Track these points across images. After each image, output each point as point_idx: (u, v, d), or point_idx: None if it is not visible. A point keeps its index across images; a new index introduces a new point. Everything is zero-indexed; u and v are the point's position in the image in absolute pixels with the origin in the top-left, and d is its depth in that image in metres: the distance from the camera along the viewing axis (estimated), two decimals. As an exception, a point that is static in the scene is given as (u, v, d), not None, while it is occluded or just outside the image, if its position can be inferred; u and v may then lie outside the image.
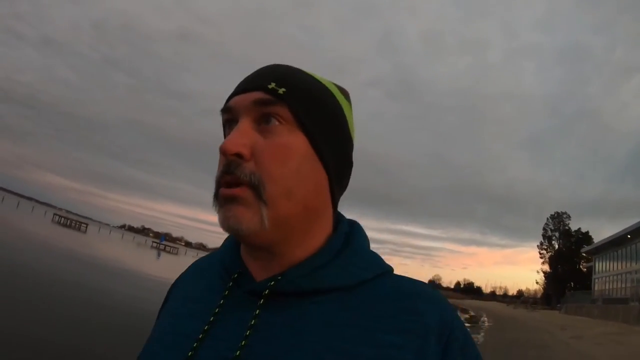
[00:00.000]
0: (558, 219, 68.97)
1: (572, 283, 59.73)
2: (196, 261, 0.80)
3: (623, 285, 34.23)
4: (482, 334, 20.67)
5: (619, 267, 36.21)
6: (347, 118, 0.69)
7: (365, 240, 0.69)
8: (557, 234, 68.30)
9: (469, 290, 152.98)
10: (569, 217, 68.79)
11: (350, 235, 0.68)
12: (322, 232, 0.66)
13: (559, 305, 48.02)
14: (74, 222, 68.66)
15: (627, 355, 11.13)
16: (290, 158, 0.60)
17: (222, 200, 0.60)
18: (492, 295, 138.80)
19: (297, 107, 0.62)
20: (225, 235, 0.69)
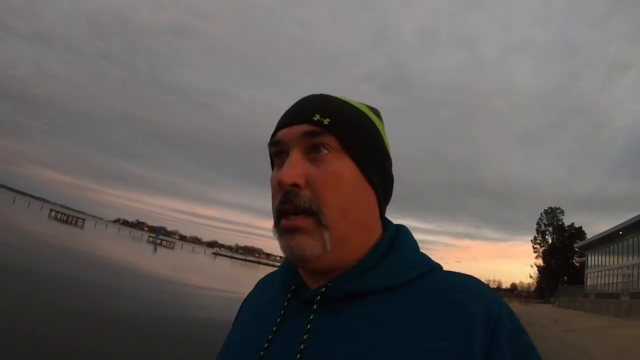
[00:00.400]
0: (552, 214, 69.90)
1: (565, 277, 60.67)
2: (261, 279, 0.88)
3: (615, 281, 35.05)
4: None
5: (611, 263, 37.06)
6: (383, 136, 0.75)
7: (411, 242, 0.73)
8: (550, 229, 69.23)
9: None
10: (562, 212, 69.71)
11: (395, 239, 0.72)
12: (372, 241, 0.70)
13: (552, 299, 48.97)
14: (71, 217, 69.00)
15: (615, 347, 11.79)
16: (342, 183, 0.65)
17: (284, 231, 0.66)
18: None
19: (342, 135, 0.67)
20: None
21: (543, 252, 68.12)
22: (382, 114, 0.79)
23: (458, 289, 0.63)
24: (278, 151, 0.70)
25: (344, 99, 0.74)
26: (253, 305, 0.80)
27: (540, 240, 69.94)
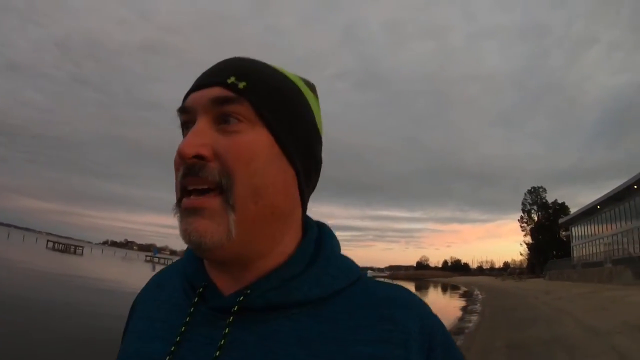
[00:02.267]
0: (535, 193, 73.11)
1: (554, 252, 63.60)
2: (156, 274, 0.75)
3: (598, 250, 38.05)
4: (479, 304, 23.89)
5: (593, 234, 40.08)
6: (315, 113, 0.65)
7: (336, 244, 0.65)
8: (535, 207, 72.47)
9: (456, 267, 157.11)
10: (545, 190, 73.06)
11: (321, 241, 0.63)
12: (291, 237, 0.61)
13: (543, 274, 51.74)
14: (69, 246, 68.42)
15: (593, 307, 14.13)
16: (254, 157, 0.56)
17: (183, 212, 0.56)
18: (480, 270, 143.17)
19: (258, 102, 0.57)
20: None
21: (530, 229, 71.36)
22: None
23: (391, 303, 0.57)
24: (187, 120, 0.60)
25: (275, 66, 0.64)
26: (149, 307, 0.66)
27: (526, 219, 73.22)
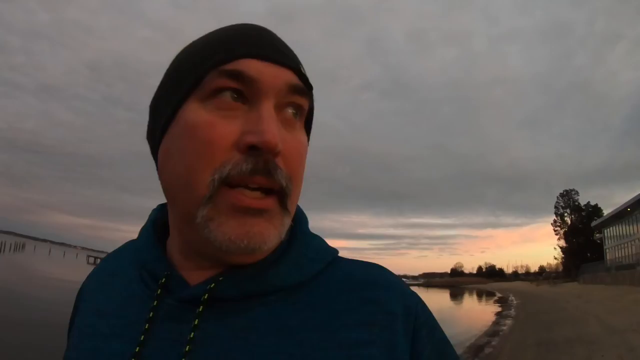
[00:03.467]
0: (567, 197, 72.97)
1: (589, 254, 63.52)
2: (105, 260, 0.65)
3: (630, 252, 38.50)
4: (513, 309, 25.35)
5: (625, 236, 40.53)
6: None
7: (307, 223, 0.60)
8: (568, 210, 72.27)
9: (491, 273, 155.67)
10: (577, 193, 72.73)
11: (294, 222, 0.56)
12: None
13: (577, 277, 52.09)
14: None
15: (618, 309, 15.54)
16: (304, 161, 0.52)
17: (239, 211, 0.46)
18: (515, 275, 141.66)
19: (313, 102, 0.53)
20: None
21: (564, 233, 71.18)
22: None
23: (371, 284, 0.53)
24: (233, 88, 0.47)
25: None
26: (100, 298, 0.57)
27: (560, 222, 73.02)
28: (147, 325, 0.49)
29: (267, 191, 0.47)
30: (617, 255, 43.02)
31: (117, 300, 0.55)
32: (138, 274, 0.55)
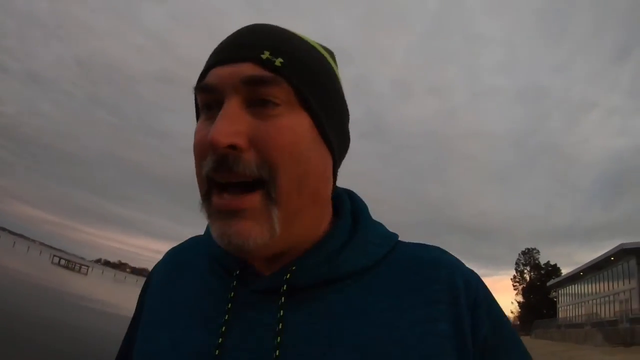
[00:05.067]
0: (528, 255, 75.67)
1: (544, 311, 65.81)
2: (172, 251, 0.68)
3: (580, 312, 40.76)
4: None
5: (576, 298, 42.97)
6: (340, 84, 0.59)
7: (367, 210, 0.62)
8: (528, 268, 74.86)
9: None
10: (538, 252, 75.48)
11: (355, 210, 0.60)
12: (327, 214, 0.58)
13: (531, 332, 54.07)
14: (74, 264, 67.56)
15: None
16: (297, 143, 0.50)
17: (218, 214, 0.49)
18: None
19: (298, 82, 0.51)
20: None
21: (522, 289, 73.64)
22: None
23: (435, 263, 0.55)
24: (209, 100, 0.51)
25: (297, 33, 0.57)
26: (173, 292, 0.60)
27: (519, 278, 75.52)
28: (226, 316, 0.52)
29: (240, 185, 0.48)
30: (568, 314, 45.32)
31: (192, 292, 0.57)
32: (209, 267, 0.58)
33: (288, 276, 0.51)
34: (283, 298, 0.50)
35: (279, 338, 0.48)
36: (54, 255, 76.30)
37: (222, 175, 0.48)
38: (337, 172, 0.59)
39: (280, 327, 0.49)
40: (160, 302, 0.60)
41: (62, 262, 66.49)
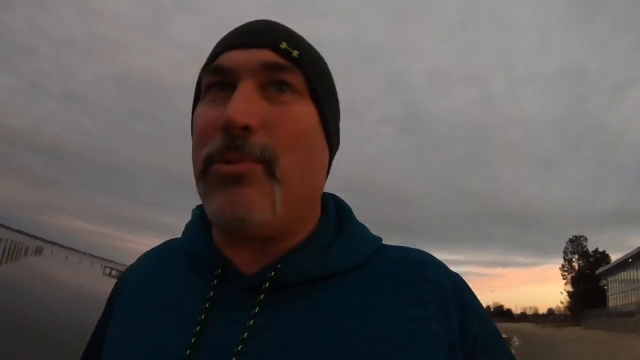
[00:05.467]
0: (576, 242, 73.87)
1: (594, 300, 64.25)
2: (143, 257, 0.66)
3: (631, 300, 39.85)
4: (513, 350, 26.96)
5: (626, 285, 41.93)
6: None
7: (352, 212, 0.62)
8: (576, 256, 73.10)
9: (499, 313, 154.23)
10: (585, 239, 73.62)
11: (340, 210, 0.60)
12: (318, 210, 0.58)
13: (581, 322, 53.01)
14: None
15: (600, 354, 17.26)
16: (306, 131, 0.51)
17: (221, 181, 0.48)
18: (523, 316, 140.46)
19: (310, 73, 0.53)
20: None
21: (571, 278, 71.96)
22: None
23: (422, 264, 0.55)
24: (218, 81, 0.52)
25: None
26: (150, 293, 0.57)
27: (567, 267, 73.80)
28: (202, 315, 0.50)
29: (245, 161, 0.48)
30: (618, 303, 44.32)
31: (170, 294, 0.55)
32: (189, 267, 0.56)
33: (272, 273, 0.50)
34: (262, 295, 0.49)
35: (245, 334, 0.47)
36: (105, 267, 77.79)
37: (230, 155, 0.47)
38: (330, 169, 0.60)
39: (250, 323, 0.48)
40: (135, 303, 0.58)
41: (114, 272, 67.57)
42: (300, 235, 0.54)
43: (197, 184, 0.52)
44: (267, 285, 0.49)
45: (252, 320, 0.48)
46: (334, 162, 0.61)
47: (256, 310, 0.49)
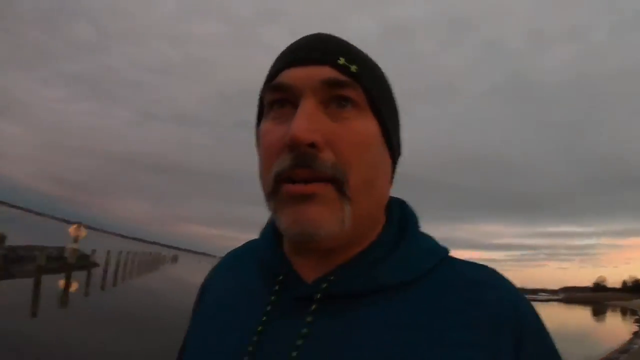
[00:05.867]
0: None
1: None
2: (226, 257, 0.70)
3: None
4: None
5: None
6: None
7: (418, 222, 0.60)
8: None
9: (637, 288, 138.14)
10: None
11: (403, 220, 0.59)
12: (382, 220, 0.58)
13: None
14: None
15: None
16: (369, 147, 0.52)
17: (291, 199, 0.49)
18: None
19: (371, 88, 0.53)
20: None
21: None
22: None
23: (480, 285, 0.52)
24: (280, 99, 0.53)
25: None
26: (221, 292, 0.63)
27: None
28: (264, 317, 0.53)
29: (316, 180, 0.49)
30: None
31: (237, 294, 0.59)
32: (258, 270, 0.60)
33: (324, 286, 0.51)
34: (314, 305, 0.51)
35: (300, 342, 0.49)
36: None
37: (299, 173, 0.48)
38: (393, 179, 0.60)
39: (305, 331, 0.50)
40: (211, 301, 0.63)
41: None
42: (361, 245, 0.55)
43: (267, 202, 0.54)
44: (318, 297, 0.51)
45: (305, 329, 0.50)
46: (397, 164, 0.61)
47: (309, 319, 0.51)
